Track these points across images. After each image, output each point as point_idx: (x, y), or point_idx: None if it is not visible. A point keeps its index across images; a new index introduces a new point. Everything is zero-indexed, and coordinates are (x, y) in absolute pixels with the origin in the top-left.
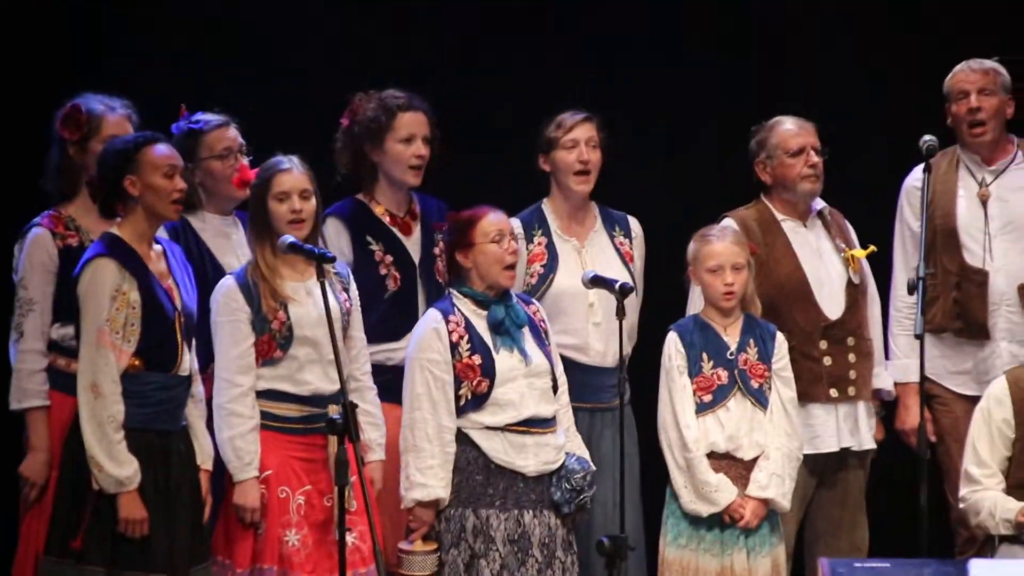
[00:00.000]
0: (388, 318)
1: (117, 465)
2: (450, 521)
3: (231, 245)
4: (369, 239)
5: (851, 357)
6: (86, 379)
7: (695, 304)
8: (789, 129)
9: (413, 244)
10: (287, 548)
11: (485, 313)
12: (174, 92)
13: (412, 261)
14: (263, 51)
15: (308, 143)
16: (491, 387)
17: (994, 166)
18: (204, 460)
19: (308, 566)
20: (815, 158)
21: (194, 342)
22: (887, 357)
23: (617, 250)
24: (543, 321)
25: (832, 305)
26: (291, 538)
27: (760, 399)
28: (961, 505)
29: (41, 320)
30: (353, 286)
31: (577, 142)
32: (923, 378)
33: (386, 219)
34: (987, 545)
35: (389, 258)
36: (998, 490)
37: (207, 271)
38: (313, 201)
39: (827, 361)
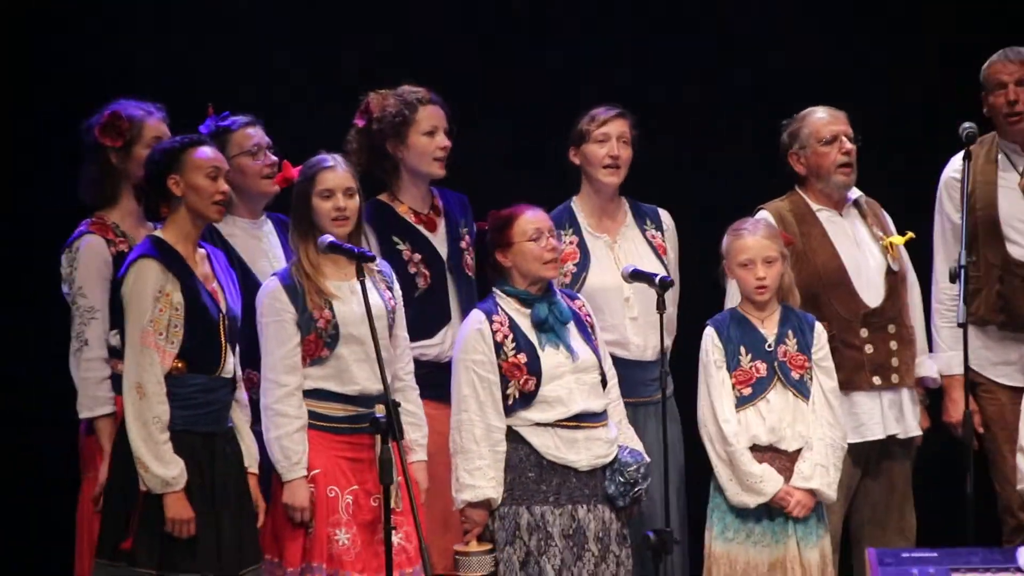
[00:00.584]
0: (420, 316)
1: (163, 465)
2: (504, 519)
3: (262, 249)
4: (396, 239)
5: (892, 344)
6: (131, 380)
7: (733, 297)
8: (821, 118)
9: (439, 240)
10: (337, 547)
11: (529, 311)
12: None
13: (440, 257)
14: (262, 54)
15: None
16: (538, 385)
17: None
18: (251, 463)
19: (358, 565)
20: (849, 145)
21: (238, 347)
22: (931, 349)
23: (650, 243)
24: (589, 316)
25: (871, 293)
26: (341, 537)
27: (801, 390)
28: (1020, 485)
29: (103, 327)
30: (396, 285)
31: (609, 136)
32: (967, 367)
33: (410, 217)
34: None
35: (417, 256)
36: None
37: (238, 277)
38: (357, 199)
39: (868, 349)
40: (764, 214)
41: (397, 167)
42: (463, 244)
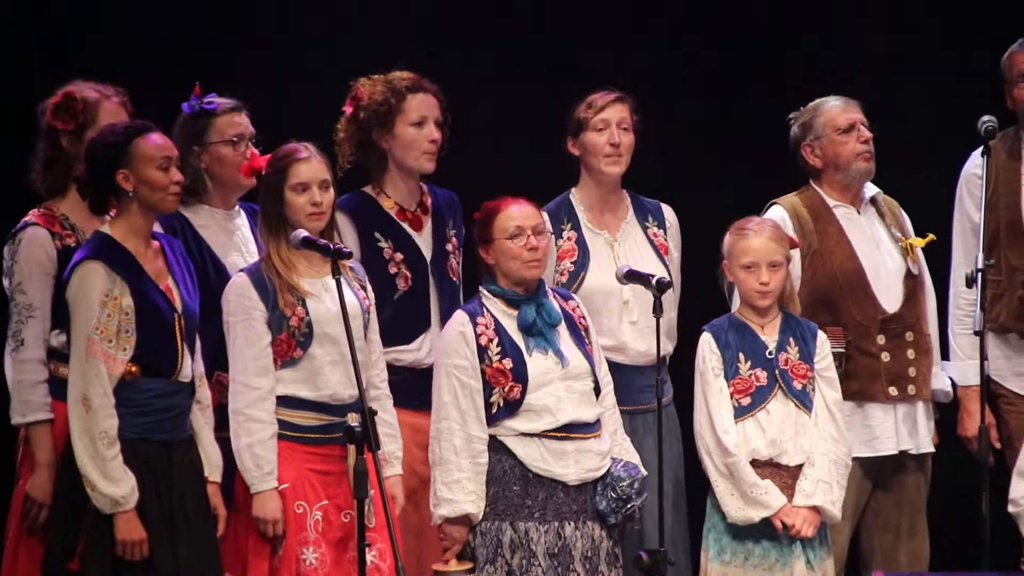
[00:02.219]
0: (398, 319)
1: (112, 484)
2: (486, 536)
3: (234, 242)
4: (378, 236)
5: (910, 353)
6: (76, 391)
7: (735, 302)
8: (836, 106)
9: (424, 240)
10: (304, 567)
11: (516, 313)
12: (166, 77)
13: (424, 258)
14: (262, 37)
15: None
16: (524, 392)
17: None
18: (212, 472)
19: None
20: (867, 133)
21: (198, 345)
22: (947, 358)
23: (651, 242)
24: (583, 318)
25: (889, 297)
26: (308, 556)
27: (804, 401)
28: (1012, 509)
29: (42, 327)
30: (369, 286)
31: (608, 123)
32: (983, 377)
33: (395, 213)
34: None
35: (399, 256)
36: None
37: (208, 272)
38: (331, 192)
39: (885, 357)
40: (777, 210)
41: (385, 159)
42: (449, 247)
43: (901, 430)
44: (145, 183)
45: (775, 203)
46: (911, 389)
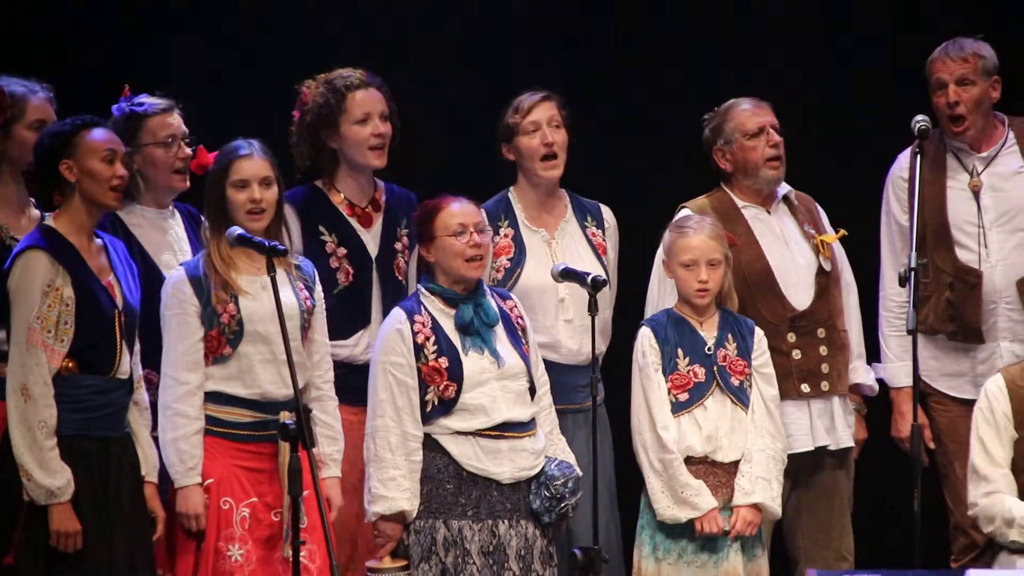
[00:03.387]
0: (337, 314)
1: (48, 474)
2: (420, 534)
3: (167, 241)
4: (322, 229)
5: (822, 350)
6: (15, 381)
7: (654, 299)
8: (746, 110)
9: (372, 237)
10: (229, 563)
11: (453, 312)
12: (111, 74)
13: (368, 255)
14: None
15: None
16: (459, 392)
17: (984, 153)
18: (149, 471)
19: None
20: (776, 137)
21: (137, 344)
22: (878, 359)
23: (589, 241)
24: (520, 318)
25: (799, 295)
26: (233, 553)
27: (741, 398)
28: (971, 511)
29: None
30: (319, 287)
31: (539, 124)
32: (916, 376)
33: (344, 208)
34: (985, 554)
35: (342, 250)
36: (1011, 492)
37: (140, 270)
38: (275, 189)
39: (796, 355)
40: (688, 212)
41: (336, 157)
42: (399, 245)
43: (817, 427)
44: (88, 174)
45: (684, 206)
46: (824, 386)
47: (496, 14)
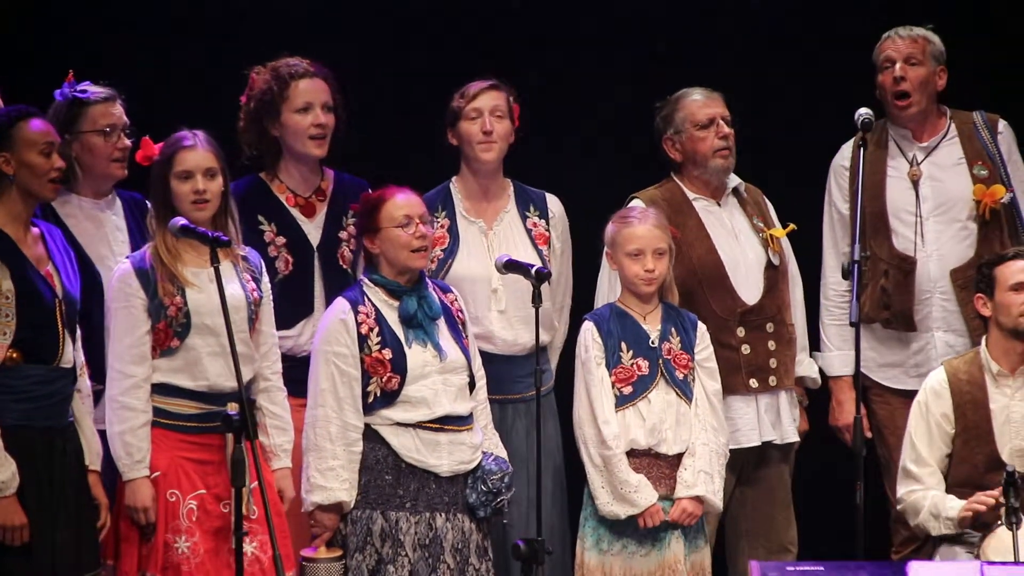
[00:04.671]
0: (279, 303)
1: None
2: (356, 524)
3: (102, 233)
4: (260, 218)
5: (771, 344)
6: None
7: (604, 291)
8: (696, 100)
9: (314, 227)
10: (176, 556)
11: (397, 304)
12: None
13: (309, 244)
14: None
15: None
16: (402, 384)
17: (925, 142)
18: (92, 460)
19: (200, 575)
20: (726, 129)
21: (78, 333)
22: (818, 348)
23: (528, 232)
24: (461, 312)
25: (749, 289)
26: (180, 545)
27: (685, 391)
28: (899, 506)
29: None
30: (266, 278)
31: (481, 112)
32: (858, 368)
33: (285, 198)
34: (926, 545)
35: (281, 240)
36: (939, 489)
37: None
38: (219, 180)
39: (745, 349)
40: (637, 204)
41: (278, 146)
42: (343, 235)
43: (764, 421)
44: (26, 167)
45: (635, 197)
46: (772, 380)
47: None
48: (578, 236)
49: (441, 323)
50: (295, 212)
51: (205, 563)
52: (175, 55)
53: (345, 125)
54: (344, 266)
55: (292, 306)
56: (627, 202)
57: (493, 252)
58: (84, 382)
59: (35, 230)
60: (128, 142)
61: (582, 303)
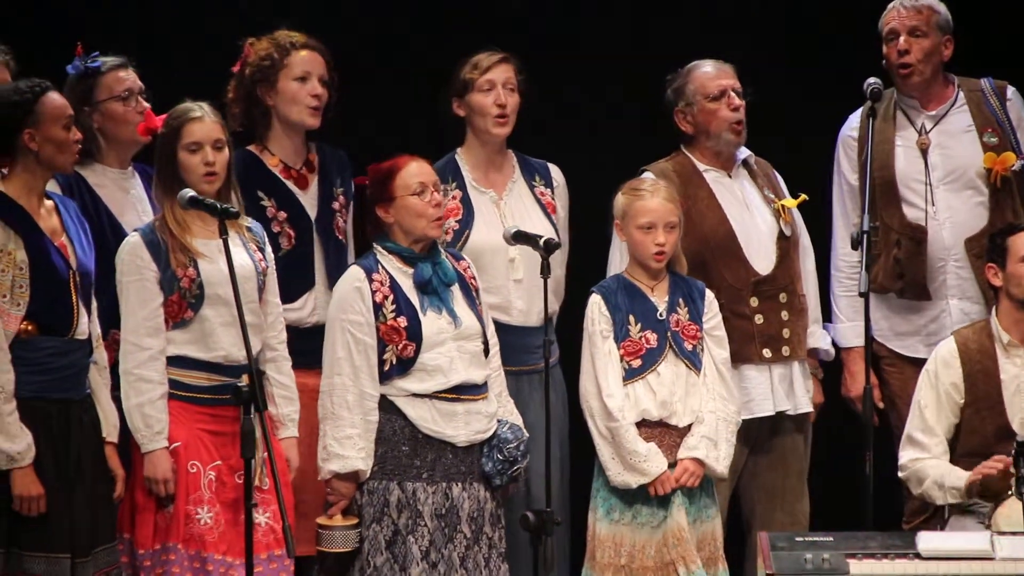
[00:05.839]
0: (282, 278)
1: (8, 439)
2: (373, 494)
3: (130, 201)
4: (260, 194)
5: (784, 315)
6: None
7: (616, 262)
8: (707, 72)
9: (309, 199)
10: (199, 527)
11: (411, 271)
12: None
13: (308, 217)
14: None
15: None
16: (418, 351)
17: (933, 111)
18: (109, 432)
19: (221, 546)
20: (738, 101)
21: (94, 305)
22: (829, 319)
23: (538, 200)
24: (474, 279)
25: (762, 260)
26: (203, 516)
27: (695, 362)
28: (901, 473)
29: None
30: (269, 247)
31: (494, 84)
32: (868, 339)
33: (279, 171)
34: (936, 516)
35: (282, 214)
36: (943, 458)
37: (105, 230)
38: (226, 152)
39: (759, 319)
40: (649, 175)
41: (269, 116)
42: (336, 205)
43: (777, 391)
44: (51, 142)
45: (645, 169)
46: (785, 351)
47: None
48: (582, 206)
49: (455, 289)
50: (290, 184)
51: (227, 533)
52: (154, 26)
53: (335, 103)
54: (340, 237)
55: (295, 280)
56: (638, 174)
57: (506, 221)
58: (101, 354)
59: (49, 202)
60: (147, 105)
61: (590, 273)
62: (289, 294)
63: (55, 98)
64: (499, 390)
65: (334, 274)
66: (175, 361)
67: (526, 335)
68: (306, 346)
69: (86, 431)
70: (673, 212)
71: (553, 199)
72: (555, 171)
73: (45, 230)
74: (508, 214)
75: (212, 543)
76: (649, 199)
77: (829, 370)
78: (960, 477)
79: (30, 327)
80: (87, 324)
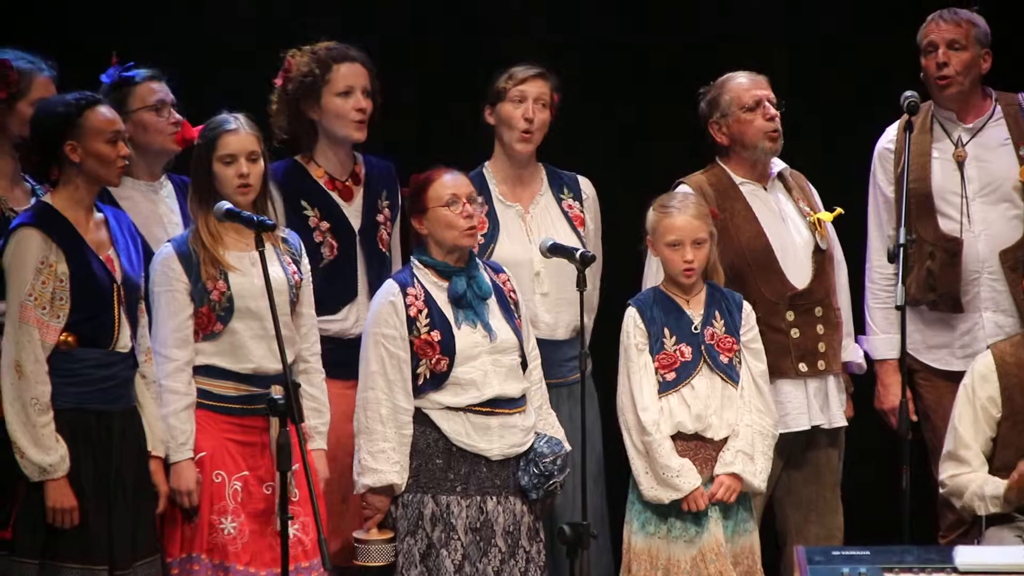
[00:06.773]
0: (323, 289)
1: (42, 451)
2: (407, 507)
3: (158, 214)
4: (304, 204)
5: (820, 328)
6: (9, 357)
7: (652, 275)
8: (742, 83)
9: (354, 210)
10: (222, 536)
11: (446, 285)
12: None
13: (351, 228)
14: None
15: (245, 105)
16: (451, 365)
17: (970, 124)
18: (155, 446)
19: (245, 556)
20: (773, 111)
21: (144, 318)
22: (863, 332)
23: (565, 214)
24: (513, 292)
25: (798, 273)
26: (227, 526)
27: (730, 375)
28: (943, 490)
29: None
30: (305, 259)
31: (526, 97)
32: (904, 353)
33: (325, 182)
34: (973, 529)
35: (325, 224)
36: (983, 471)
37: None
38: (261, 164)
39: (795, 333)
40: (684, 188)
41: (315, 129)
42: (381, 217)
43: (813, 405)
44: (93, 156)
45: (681, 182)
46: (821, 364)
47: None
48: (615, 219)
49: (492, 303)
50: (334, 196)
51: (250, 544)
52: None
53: (379, 111)
54: (383, 249)
55: (337, 291)
56: (673, 187)
57: (532, 235)
58: (149, 368)
59: (99, 215)
60: (179, 116)
61: (624, 286)
62: (331, 305)
63: (102, 112)
64: (540, 403)
65: (376, 286)
66: (205, 371)
67: (553, 349)
68: (350, 357)
69: (128, 443)
70: (701, 228)
71: (582, 211)
72: (585, 184)
73: (91, 243)
74: (534, 228)
75: (235, 553)
76: (676, 216)
77: (859, 383)
78: (999, 485)
79: (70, 339)
80: (128, 337)
